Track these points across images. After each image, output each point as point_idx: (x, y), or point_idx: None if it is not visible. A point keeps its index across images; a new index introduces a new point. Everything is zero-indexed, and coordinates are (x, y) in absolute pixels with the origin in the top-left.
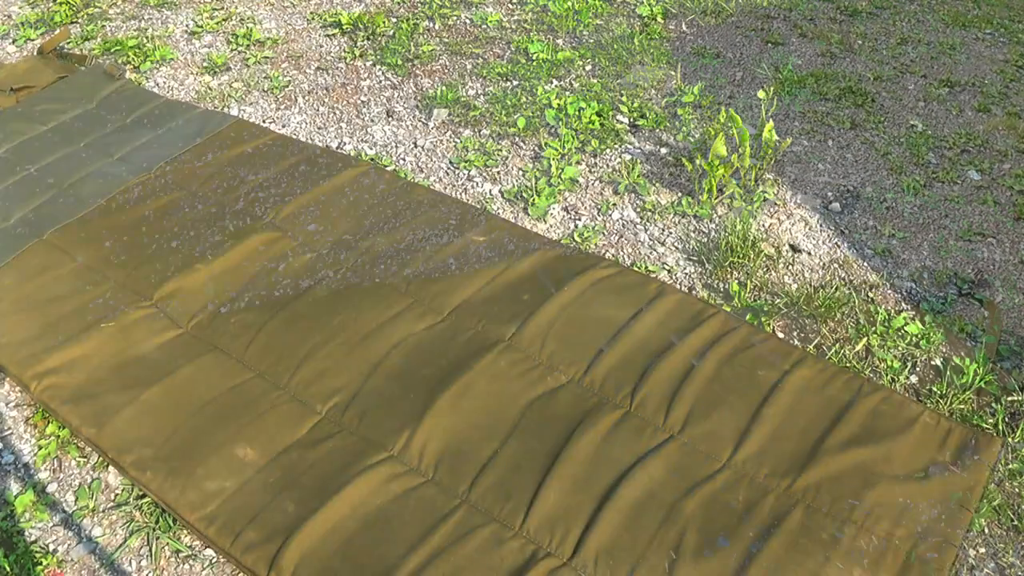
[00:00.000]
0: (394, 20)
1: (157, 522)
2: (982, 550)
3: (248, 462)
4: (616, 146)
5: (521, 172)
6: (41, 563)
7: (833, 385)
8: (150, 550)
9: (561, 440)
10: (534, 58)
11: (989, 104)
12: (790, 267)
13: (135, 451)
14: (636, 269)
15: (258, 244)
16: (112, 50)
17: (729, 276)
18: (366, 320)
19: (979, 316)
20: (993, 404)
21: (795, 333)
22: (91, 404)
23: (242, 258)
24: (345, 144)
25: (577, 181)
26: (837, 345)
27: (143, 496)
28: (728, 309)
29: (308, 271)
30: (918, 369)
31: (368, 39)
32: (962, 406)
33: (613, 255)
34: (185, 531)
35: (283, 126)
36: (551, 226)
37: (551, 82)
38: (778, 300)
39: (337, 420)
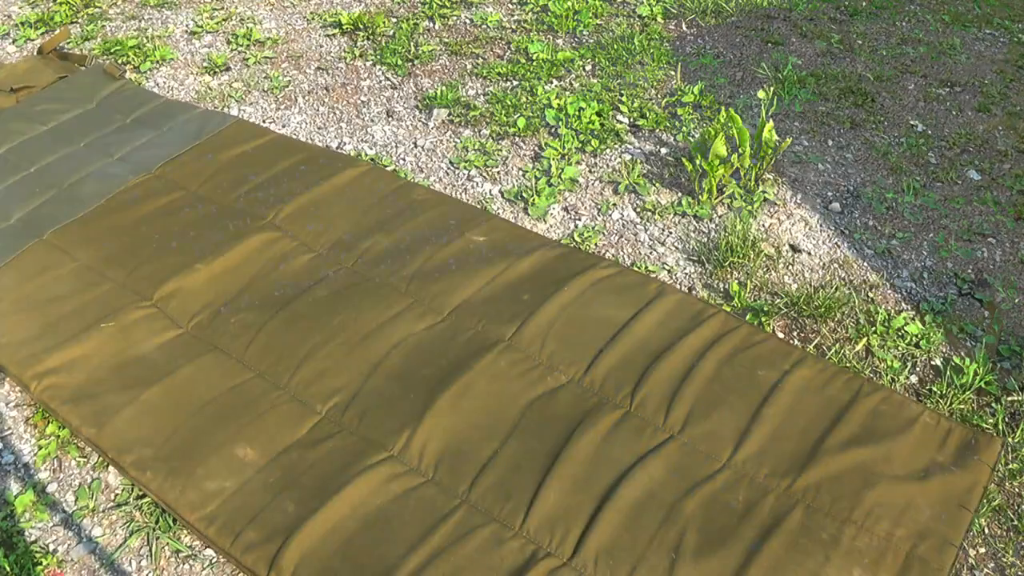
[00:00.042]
0: (394, 20)
1: (157, 522)
2: (982, 550)
3: (248, 462)
4: (616, 146)
5: (521, 172)
6: (41, 563)
7: (833, 385)
8: (150, 550)
9: (561, 440)
10: (534, 58)
11: (989, 104)
12: (790, 267)
13: (135, 451)
14: (636, 269)
15: (258, 244)
16: (112, 50)
17: (729, 276)
18: (366, 320)
19: (979, 316)
20: (993, 404)
21: (795, 333)
22: (91, 404)
23: (242, 258)
24: (345, 144)
25: (577, 181)
26: (837, 345)
27: (143, 496)
28: (728, 309)
29: (308, 271)
30: (918, 369)
31: (368, 39)
32: (962, 406)
33: (613, 255)
34: (185, 531)
35: (283, 126)
36: (551, 226)
37: (551, 82)
38: (778, 300)
39: (337, 420)
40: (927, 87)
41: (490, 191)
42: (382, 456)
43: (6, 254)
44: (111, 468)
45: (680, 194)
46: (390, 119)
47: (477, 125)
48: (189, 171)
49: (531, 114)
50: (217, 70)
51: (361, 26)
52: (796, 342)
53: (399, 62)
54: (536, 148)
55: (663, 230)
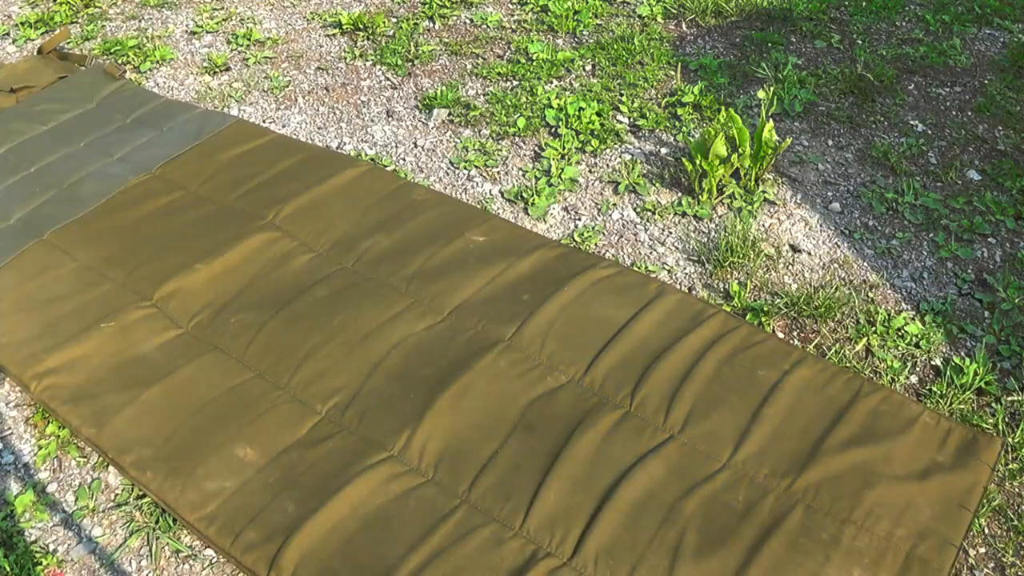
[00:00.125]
0: (394, 20)
1: (157, 522)
2: (982, 550)
3: (248, 462)
4: (616, 146)
5: (521, 172)
6: (41, 563)
7: (833, 385)
8: (150, 550)
9: (561, 440)
10: (534, 58)
11: (989, 104)
12: (790, 267)
13: (135, 451)
14: (636, 269)
15: (258, 244)
16: (112, 50)
17: (729, 276)
18: (366, 320)
19: (979, 316)
20: (993, 404)
21: (795, 333)
22: (91, 404)
23: (242, 258)
24: (345, 144)
25: (577, 181)
26: (837, 345)
27: (143, 496)
28: (728, 309)
29: (308, 271)
30: (918, 369)
31: (368, 39)
32: (962, 406)
33: (613, 255)
34: (185, 531)
35: (283, 126)
36: (551, 226)
37: (551, 82)
38: (778, 300)
39: (337, 420)
40: (927, 87)
41: (490, 191)
42: (382, 456)
43: (6, 254)
44: (111, 468)
45: (680, 194)
46: (390, 119)
47: (477, 125)
48: (189, 171)
49: (531, 114)
50: (217, 70)
51: (361, 26)
52: (796, 342)
53: (399, 62)
54: (536, 148)
55: (663, 230)
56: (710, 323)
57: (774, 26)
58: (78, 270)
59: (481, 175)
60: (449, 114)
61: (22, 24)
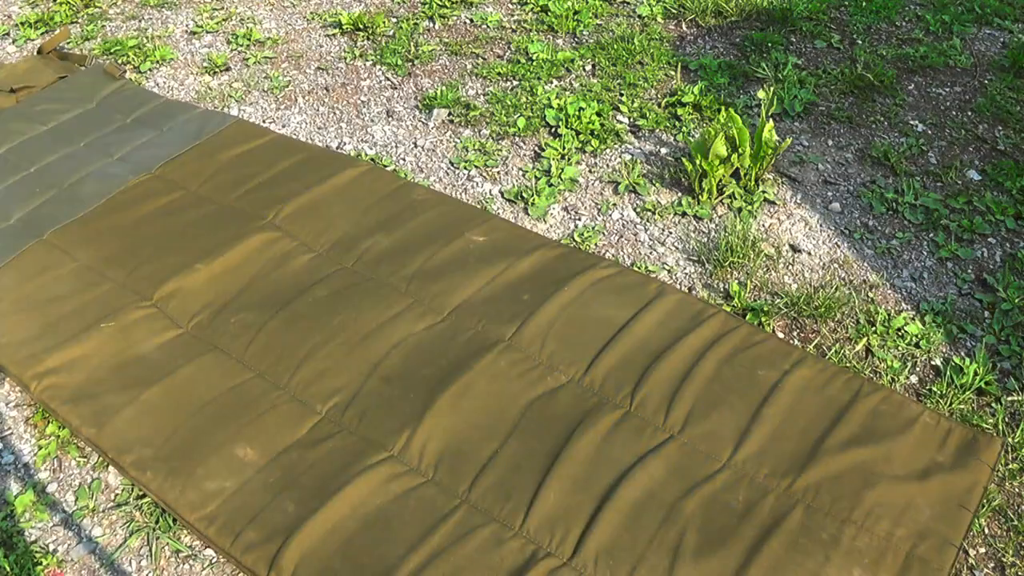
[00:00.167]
0: (394, 20)
1: (157, 522)
2: (982, 550)
3: (248, 462)
4: (616, 146)
5: (521, 172)
6: (41, 563)
7: (833, 385)
8: (150, 550)
9: (561, 440)
10: (534, 58)
11: (989, 104)
12: (790, 267)
13: (135, 451)
14: (636, 269)
15: (258, 244)
16: (112, 50)
17: (729, 276)
18: (366, 320)
19: (979, 316)
20: (993, 404)
21: (795, 333)
22: (91, 404)
23: (242, 258)
24: (345, 144)
25: (577, 181)
26: (837, 345)
27: (143, 496)
28: (728, 309)
29: (308, 271)
30: (918, 369)
31: (368, 39)
32: (962, 406)
33: (613, 255)
34: (185, 531)
35: (283, 126)
36: (551, 226)
37: (551, 82)
38: (778, 300)
39: (337, 420)
40: (927, 87)
41: (490, 191)
42: (382, 456)
43: (6, 254)
44: (111, 468)
45: (680, 194)
46: (390, 119)
47: (477, 125)
48: (189, 171)
49: (531, 114)
50: (217, 70)
51: (361, 26)
52: (796, 342)
53: (399, 62)
54: (536, 148)
55: (663, 230)
56: (710, 323)
57: (774, 26)
58: (78, 270)
59: (481, 175)
60: (449, 114)
61: (22, 24)
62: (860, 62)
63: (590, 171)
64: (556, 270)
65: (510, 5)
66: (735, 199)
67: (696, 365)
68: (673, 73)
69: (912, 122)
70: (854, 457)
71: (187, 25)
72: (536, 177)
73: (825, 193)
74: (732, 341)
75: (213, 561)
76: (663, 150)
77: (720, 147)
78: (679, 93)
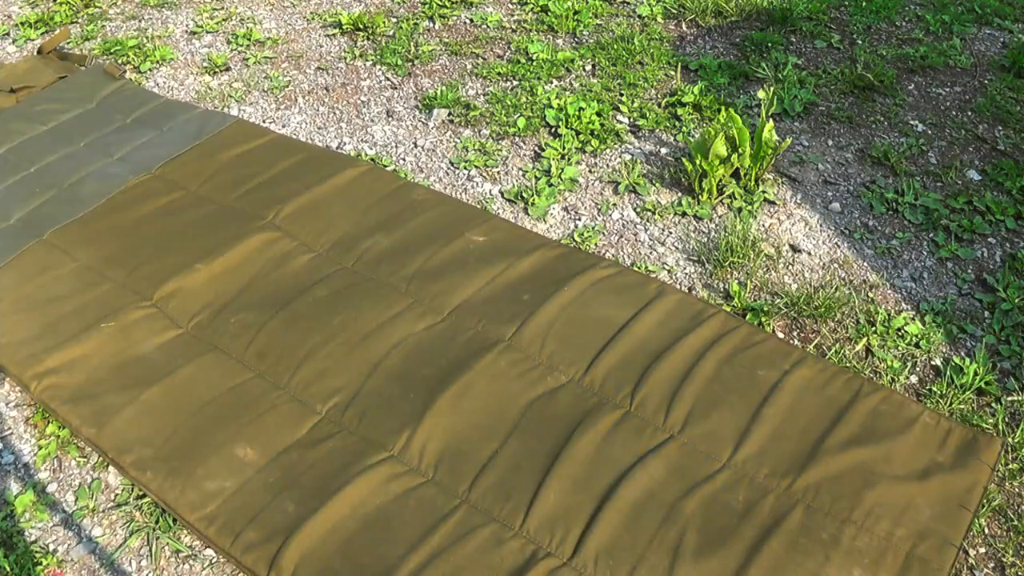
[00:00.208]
0: (394, 20)
1: (157, 522)
2: (982, 550)
3: (248, 462)
4: (616, 146)
5: (521, 172)
6: (41, 563)
7: (833, 385)
8: (150, 550)
9: (561, 440)
10: (534, 58)
11: (989, 104)
12: (790, 267)
13: (135, 451)
14: (636, 269)
15: (258, 244)
16: (112, 50)
17: (729, 276)
18: (366, 320)
19: (979, 316)
20: (993, 404)
21: (795, 333)
22: (91, 404)
23: (242, 258)
24: (345, 144)
25: (577, 181)
26: (837, 345)
27: (143, 496)
28: (728, 309)
29: (308, 271)
30: (918, 369)
31: (368, 39)
32: (962, 406)
33: (613, 255)
34: (185, 531)
35: (283, 126)
36: (551, 226)
37: (551, 82)
38: (778, 300)
39: (337, 420)
40: (927, 87)
41: (490, 191)
42: (382, 456)
43: (6, 254)
44: (111, 468)
45: (680, 194)
46: (390, 119)
47: (477, 125)
48: (189, 171)
49: (531, 114)
50: (217, 70)
51: (361, 26)
52: (796, 342)
53: (399, 62)
54: (536, 148)
55: (663, 230)
56: (710, 323)
57: (774, 26)
58: (78, 270)
59: (481, 175)
60: (449, 114)
61: (22, 24)
62: (860, 62)
63: (590, 171)
64: (556, 270)
65: (510, 5)
66: (735, 199)
67: (696, 365)
68: (673, 73)
69: (912, 122)
70: (854, 457)
71: (187, 25)
72: (536, 177)
73: (825, 193)
74: (732, 341)
75: (213, 561)
76: (663, 150)
77: (720, 147)
78: (679, 93)
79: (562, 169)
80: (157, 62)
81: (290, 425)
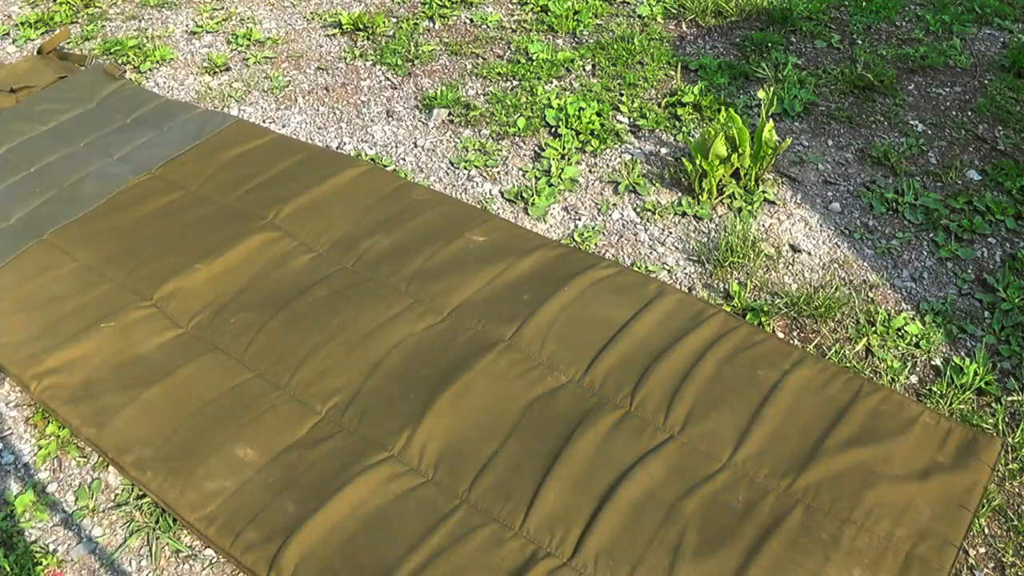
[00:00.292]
0: (394, 20)
1: (157, 522)
2: (982, 550)
3: (248, 462)
4: (616, 146)
5: (521, 172)
6: (41, 563)
7: (833, 385)
8: (150, 550)
9: (561, 440)
10: (534, 58)
11: (989, 104)
12: (790, 267)
13: (135, 451)
14: (636, 269)
15: (258, 244)
16: (112, 50)
17: (729, 276)
18: (366, 320)
19: (979, 316)
20: (993, 404)
21: (795, 333)
22: (91, 404)
23: (242, 258)
24: (345, 144)
25: (577, 181)
26: (837, 345)
27: (143, 496)
28: (728, 309)
29: (308, 271)
30: (918, 369)
31: (368, 39)
32: (962, 406)
33: (613, 255)
34: (185, 531)
35: (283, 126)
36: (551, 226)
37: (551, 82)
38: (778, 300)
39: (337, 420)
40: (927, 87)
41: (490, 191)
42: (382, 456)
43: (6, 254)
44: (111, 468)
45: (680, 194)
46: (390, 119)
47: (477, 125)
48: (189, 171)
49: (531, 114)
50: (217, 70)
51: (361, 26)
52: (796, 342)
53: (399, 62)
54: (536, 148)
55: (663, 230)
56: (710, 323)
57: (774, 26)
58: (78, 270)
59: (481, 175)
60: (449, 114)
61: (22, 24)
62: (860, 62)
63: (590, 171)
64: (556, 270)
65: (510, 5)
66: (735, 199)
67: (696, 365)
68: (673, 73)
69: (912, 122)
70: (854, 457)
71: (187, 25)
72: (536, 177)
73: (825, 193)
74: (732, 341)
75: (213, 561)
76: (663, 150)
77: (720, 147)
78: (679, 93)
79: (562, 169)
80: (157, 62)
81: (290, 425)
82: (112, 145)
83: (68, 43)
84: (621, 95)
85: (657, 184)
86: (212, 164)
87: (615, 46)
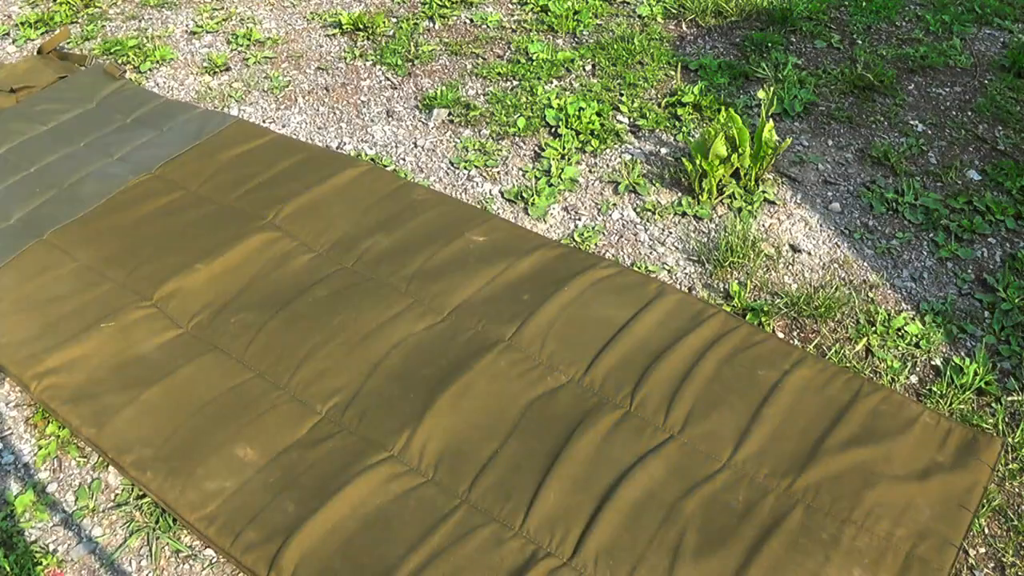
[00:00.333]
0: (394, 20)
1: (157, 522)
2: (982, 550)
3: (248, 462)
4: (616, 146)
5: (521, 172)
6: (41, 563)
7: (833, 385)
8: (150, 550)
9: (561, 440)
10: (534, 58)
11: (989, 104)
12: (790, 267)
13: (135, 451)
14: (636, 269)
15: (258, 244)
16: (112, 50)
17: (729, 276)
18: (366, 320)
19: (979, 316)
20: (993, 404)
21: (795, 333)
22: (91, 404)
23: (242, 258)
24: (345, 144)
25: (577, 181)
26: (837, 345)
27: (143, 496)
28: (728, 309)
29: (308, 271)
30: (918, 369)
31: (368, 39)
32: (962, 406)
33: (613, 255)
34: (185, 531)
35: (283, 126)
36: (551, 226)
37: (551, 82)
38: (778, 300)
39: (337, 420)
40: (927, 87)
41: (490, 191)
42: (382, 456)
43: (6, 254)
44: (111, 468)
45: (680, 194)
46: (390, 119)
47: (477, 125)
48: (189, 171)
49: (531, 114)
50: (217, 70)
51: (361, 26)
52: (796, 342)
53: (399, 62)
54: (536, 148)
55: (663, 230)
56: (710, 323)
57: (774, 26)
58: (78, 270)
59: (481, 175)
60: (449, 114)
61: (22, 24)
62: (860, 62)
63: (590, 171)
64: (556, 270)
65: (510, 5)
66: (735, 199)
67: (696, 365)
68: (673, 73)
69: (912, 122)
70: (854, 457)
71: (187, 25)
72: (536, 177)
73: (825, 193)
74: (732, 341)
75: (213, 561)
76: (663, 150)
77: (720, 147)
78: (679, 93)
79: (562, 169)
80: (157, 62)
81: (290, 425)
82: (112, 145)
83: (68, 43)
84: (621, 95)
85: (657, 184)
86: (212, 164)
87: (615, 46)
